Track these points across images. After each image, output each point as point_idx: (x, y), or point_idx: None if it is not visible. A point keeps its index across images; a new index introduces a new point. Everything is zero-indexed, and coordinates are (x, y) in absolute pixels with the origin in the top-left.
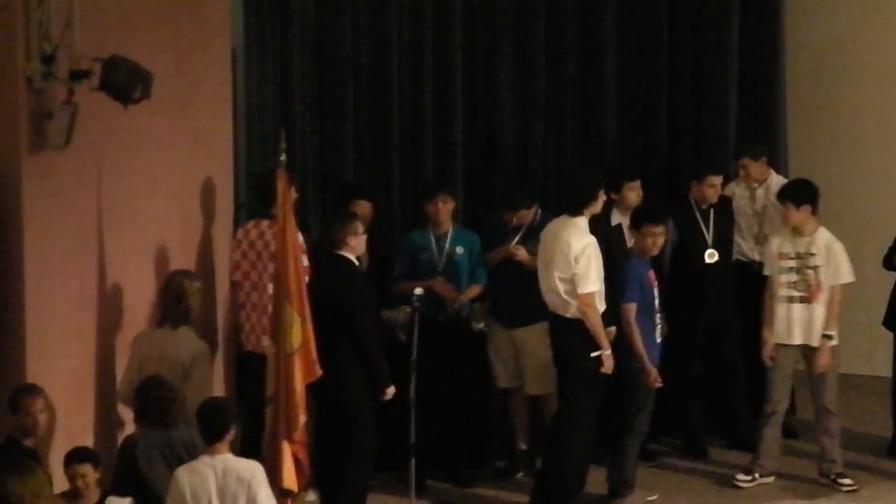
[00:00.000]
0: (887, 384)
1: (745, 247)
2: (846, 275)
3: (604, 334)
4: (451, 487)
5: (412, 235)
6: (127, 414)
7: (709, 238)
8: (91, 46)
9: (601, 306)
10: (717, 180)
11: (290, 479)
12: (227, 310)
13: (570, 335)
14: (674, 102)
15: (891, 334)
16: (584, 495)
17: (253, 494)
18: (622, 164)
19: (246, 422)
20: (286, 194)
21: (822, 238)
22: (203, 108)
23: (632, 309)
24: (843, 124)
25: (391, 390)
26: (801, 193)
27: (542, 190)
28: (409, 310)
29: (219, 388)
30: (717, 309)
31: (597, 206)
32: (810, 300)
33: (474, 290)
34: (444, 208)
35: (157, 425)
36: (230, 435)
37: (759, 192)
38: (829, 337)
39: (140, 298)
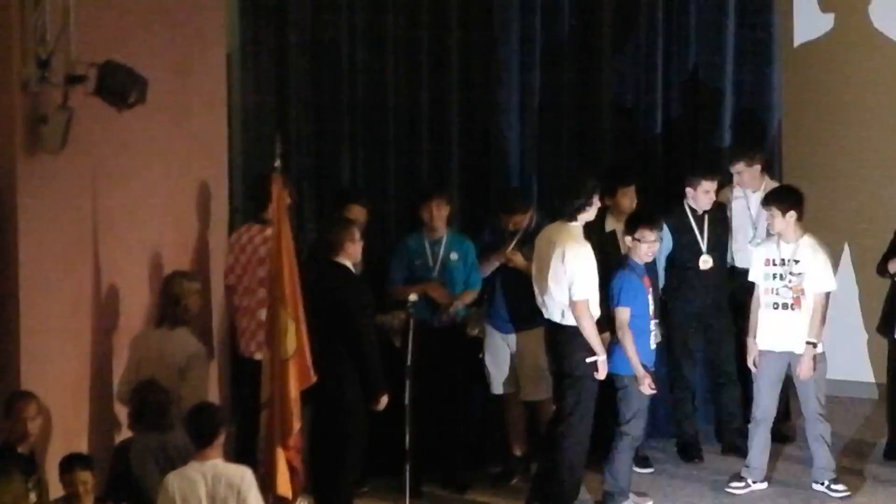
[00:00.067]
0: (883, 390)
1: (739, 253)
2: (828, 283)
3: (599, 340)
4: (446, 493)
5: (407, 241)
6: (124, 415)
7: (703, 244)
8: (87, 51)
9: (596, 312)
10: (712, 186)
11: (284, 486)
12: (222, 314)
13: (565, 341)
14: (669, 108)
15: (885, 340)
16: (580, 501)
17: (243, 499)
18: (616, 169)
19: (240, 427)
20: (281, 199)
21: (808, 245)
22: (199, 111)
23: (626, 314)
24: (838, 130)
25: (385, 399)
26: (786, 200)
27: (538, 193)
28: (403, 315)
29: (214, 392)
30: (712, 314)
31: (591, 212)
32: (794, 307)
33: (469, 296)
34: (439, 213)
35: (151, 430)
36: (220, 440)
37: (754, 198)
38: (813, 345)
39: (135, 302)
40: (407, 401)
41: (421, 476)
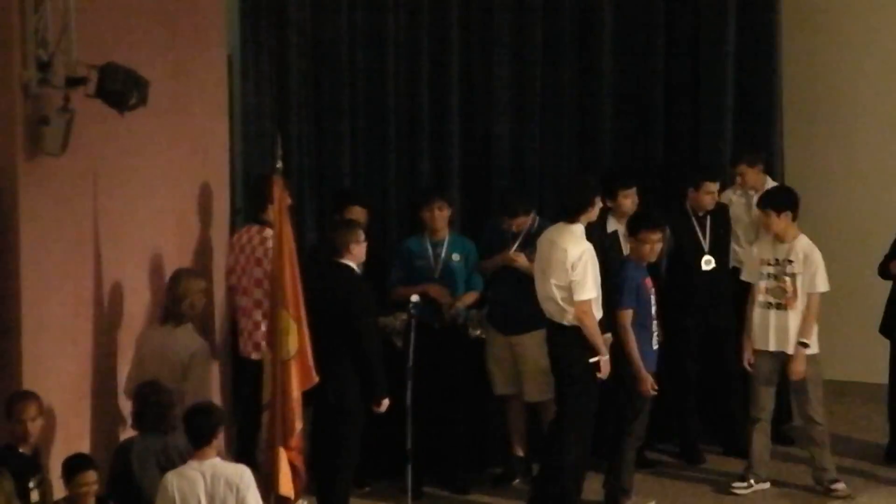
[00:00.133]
0: (884, 391)
1: (741, 254)
2: (821, 284)
3: (601, 341)
4: (447, 494)
5: (408, 242)
6: (128, 412)
7: (705, 245)
8: (87, 53)
9: (598, 313)
10: (714, 187)
11: (286, 486)
12: (223, 314)
13: (566, 342)
14: (670, 108)
15: (887, 341)
16: (581, 502)
17: (242, 498)
18: (618, 170)
19: (241, 427)
20: (282, 200)
21: (802, 245)
22: (199, 112)
23: (627, 315)
24: (839, 131)
25: (386, 402)
26: (781, 200)
27: (539, 194)
28: (405, 316)
29: (216, 392)
30: (714, 316)
31: (593, 213)
32: (786, 307)
33: (470, 297)
34: (440, 215)
35: (153, 431)
36: (218, 439)
37: (756, 199)
38: (805, 345)
39: (136, 303)
40: (408, 402)
41: (422, 477)
